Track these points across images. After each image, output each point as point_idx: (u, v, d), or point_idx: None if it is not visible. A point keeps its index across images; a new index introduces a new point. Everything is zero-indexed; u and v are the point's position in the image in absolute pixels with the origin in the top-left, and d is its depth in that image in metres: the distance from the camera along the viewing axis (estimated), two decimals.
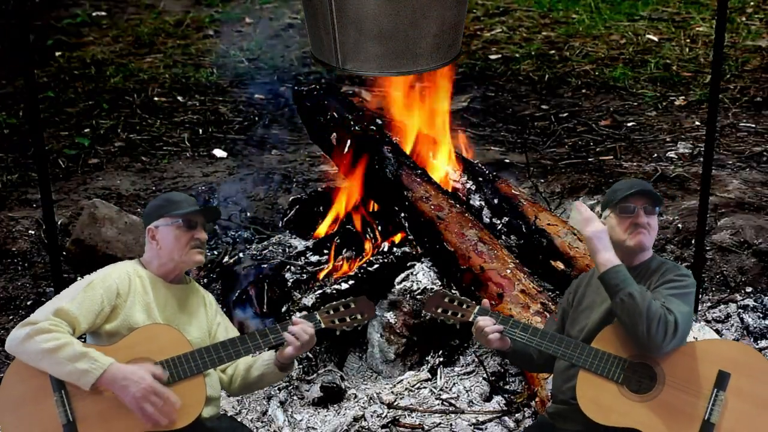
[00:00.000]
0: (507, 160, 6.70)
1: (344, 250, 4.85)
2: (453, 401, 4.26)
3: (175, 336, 3.13)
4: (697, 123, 7.14)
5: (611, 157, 6.66)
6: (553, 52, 8.86)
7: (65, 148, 7.04)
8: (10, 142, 7.13)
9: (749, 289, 4.94)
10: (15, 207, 6.12)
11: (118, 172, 6.72)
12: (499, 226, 4.87)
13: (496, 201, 4.98)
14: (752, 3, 9.78)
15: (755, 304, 4.76)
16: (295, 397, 4.29)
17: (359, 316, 3.28)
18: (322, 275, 4.71)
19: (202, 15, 10.12)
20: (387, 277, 4.58)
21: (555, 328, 3.35)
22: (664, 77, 8.06)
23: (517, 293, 4.23)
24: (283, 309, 4.59)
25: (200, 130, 7.41)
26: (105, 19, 10.08)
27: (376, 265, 4.58)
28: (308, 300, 4.44)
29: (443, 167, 5.15)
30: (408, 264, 4.65)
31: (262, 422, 4.16)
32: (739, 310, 4.72)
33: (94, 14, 10.18)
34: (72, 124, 7.51)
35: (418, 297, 4.49)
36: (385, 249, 4.69)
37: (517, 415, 4.13)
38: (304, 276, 4.70)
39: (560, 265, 4.64)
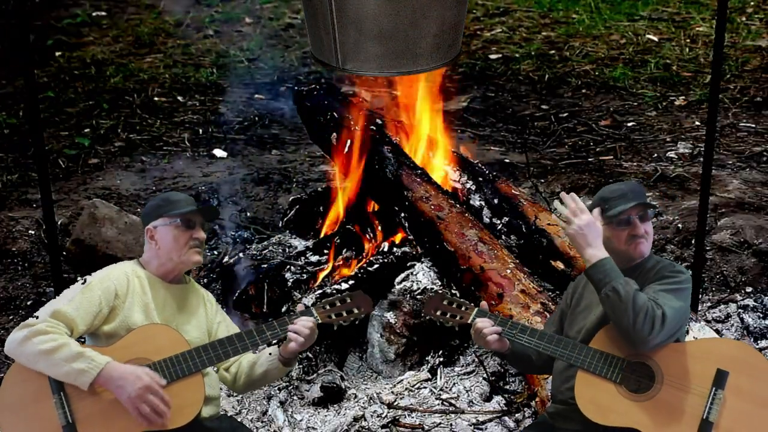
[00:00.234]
0: (507, 160, 6.70)
1: (344, 250, 4.85)
2: (453, 401, 4.26)
3: (174, 336, 3.13)
4: (697, 123, 7.14)
5: (611, 157, 6.66)
6: (553, 52, 8.86)
7: (65, 148, 7.04)
8: (10, 142, 7.13)
9: (749, 289, 4.94)
10: (15, 207, 6.12)
11: (118, 172, 6.73)
12: (499, 226, 4.87)
13: (496, 201, 4.98)
14: (752, 3, 9.77)
15: (755, 304, 4.76)
16: (295, 397, 4.29)
17: (356, 311, 3.28)
18: (322, 275, 4.71)
19: (202, 15, 10.12)
20: (387, 277, 4.58)
21: (553, 329, 3.35)
22: (664, 77, 8.06)
23: (517, 293, 4.23)
24: (283, 309, 4.59)
25: (200, 130, 7.41)
26: (105, 19, 10.08)
27: (376, 265, 4.58)
28: (308, 300, 4.44)
29: (443, 167, 5.15)
30: (408, 264, 4.65)
31: (262, 422, 4.16)
32: (739, 310, 4.72)
33: (94, 14, 10.18)
34: (72, 124, 7.51)
35: (418, 297, 4.49)
36: (385, 249, 4.69)
37: (517, 415, 4.13)
38: (304, 276, 4.71)
39: (560, 265, 4.64)
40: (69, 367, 2.95)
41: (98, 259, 4.94)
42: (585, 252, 3.07)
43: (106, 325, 3.13)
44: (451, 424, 4.12)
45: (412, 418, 4.18)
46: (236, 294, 4.72)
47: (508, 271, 4.34)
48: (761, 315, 4.67)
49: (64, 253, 5.19)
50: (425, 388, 4.34)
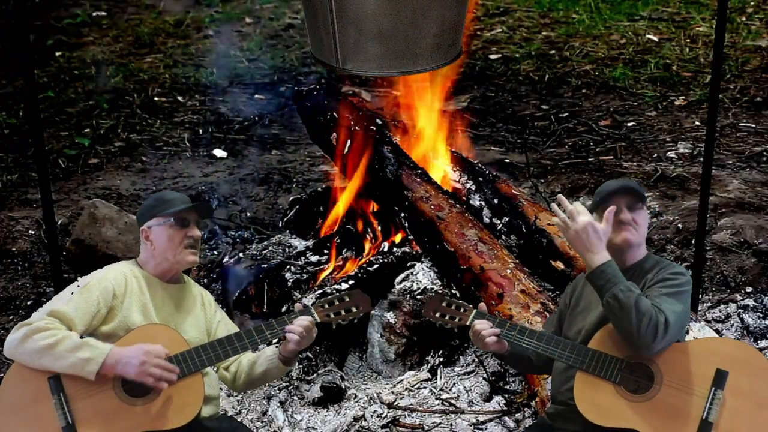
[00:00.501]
0: (507, 160, 6.70)
1: (344, 250, 4.85)
2: (453, 401, 4.26)
3: (173, 336, 3.13)
4: (697, 123, 7.14)
5: (611, 157, 6.66)
6: (553, 52, 8.86)
7: (65, 148, 7.04)
8: (10, 142, 7.13)
9: (749, 289, 4.94)
10: (15, 207, 6.12)
11: (118, 172, 6.73)
12: (499, 226, 4.87)
13: (496, 201, 4.98)
14: (752, 3, 9.77)
15: (755, 304, 4.76)
16: (295, 397, 4.29)
17: (354, 310, 3.27)
18: (322, 275, 4.71)
19: (202, 15, 10.12)
20: (387, 277, 4.58)
21: (552, 330, 3.35)
22: (664, 77, 8.06)
23: (517, 293, 4.23)
24: (283, 309, 4.59)
25: (200, 130, 7.41)
26: (105, 19, 10.08)
27: (376, 265, 4.59)
28: (308, 300, 4.44)
29: (443, 167, 5.15)
30: (408, 264, 4.65)
31: (262, 422, 4.16)
32: (739, 310, 4.72)
33: (94, 14, 10.18)
34: (72, 124, 7.51)
35: (418, 297, 4.49)
36: (385, 249, 4.69)
37: (517, 415, 4.13)
38: (304, 276, 4.71)
39: (560, 265, 4.64)
40: (74, 357, 2.95)
41: (98, 259, 4.94)
42: (585, 256, 3.04)
43: (104, 325, 3.12)
44: (451, 424, 4.12)
45: (412, 418, 4.18)
46: (236, 294, 4.72)
47: (508, 271, 4.34)
48: (761, 315, 4.67)
49: (64, 253, 5.19)
50: (425, 388, 4.34)
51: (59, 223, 5.67)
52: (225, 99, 8.03)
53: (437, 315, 3.30)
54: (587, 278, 3.06)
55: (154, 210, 3.29)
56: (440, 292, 4.47)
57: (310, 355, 4.41)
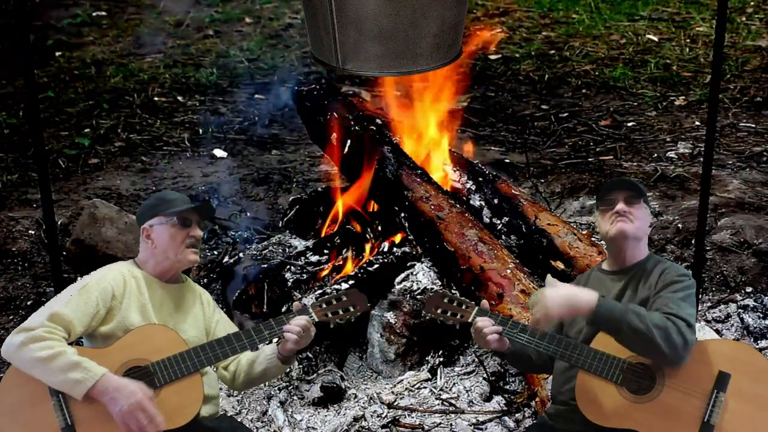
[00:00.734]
0: (507, 160, 6.70)
1: (344, 250, 4.85)
2: (453, 401, 4.26)
3: (172, 336, 3.13)
4: (697, 123, 7.14)
5: (611, 157, 6.66)
6: (553, 52, 8.86)
7: (65, 148, 7.04)
8: (10, 142, 7.13)
9: (749, 289, 4.94)
10: (15, 207, 6.12)
11: (118, 172, 6.72)
12: (499, 226, 4.87)
13: (496, 201, 4.98)
14: (752, 3, 9.77)
15: (755, 304, 4.76)
16: (295, 397, 4.29)
17: (352, 309, 3.28)
18: (322, 275, 4.71)
19: (202, 15, 10.12)
20: (387, 277, 4.58)
21: (553, 329, 3.34)
22: (664, 77, 8.06)
23: (517, 293, 4.23)
24: (283, 309, 4.59)
25: (200, 130, 7.41)
26: (105, 19, 10.08)
27: (376, 265, 4.59)
28: (308, 300, 4.43)
29: (443, 167, 5.15)
30: (408, 264, 4.65)
31: (262, 422, 4.16)
32: (739, 310, 4.72)
33: (94, 14, 10.18)
34: (72, 124, 7.51)
35: (418, 297, 4.49)
36: (385, 249, 4.69)
37: (517, 415, 4.12)
38: (304, 276, 4.71)
39: (560, 265, 4.64)
40: (64, 376, 2.94)
41: (98, 259, 4.93)
42: (578, 311, 2.99)
43: (103, 326, 3.12)
44: (451, 424, 4.12)
45: (412, 418, 4.17)
46: (236, 294, 4.72)
47: (508, 271, 4.34)
48: (761, 315, 4.67)
49: (64, 253, 5.19)
50: (425, 388, 4.34)
51: (59, 223, 5.67)
52: (225, 99, 8.03)
53: (438, 311, 3.30)
54: (591, 322, 3.02)
55: (156, 209, 3.29)
56: (441, 289, 4.47)
57: (310, 355, 4.41)
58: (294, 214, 5.27)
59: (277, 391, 4.29)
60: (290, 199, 5.46)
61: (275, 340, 3.32)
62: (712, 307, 4.78)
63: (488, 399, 4.26)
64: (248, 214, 6.06)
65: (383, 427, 4.12)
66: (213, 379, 3.34)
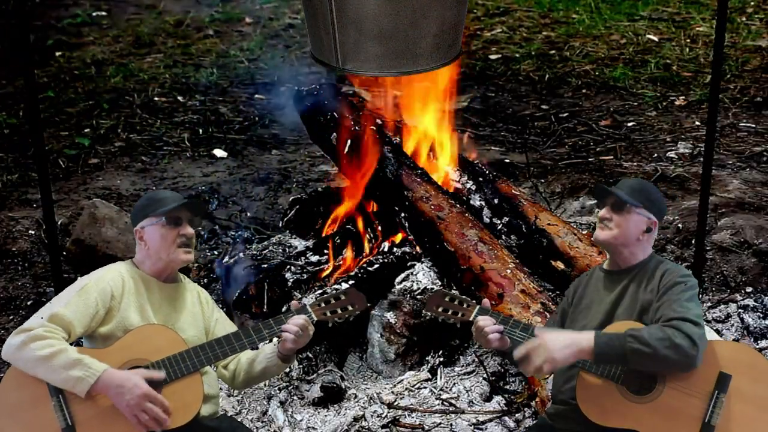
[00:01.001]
0: (507, 160, 6.70)
1: (344, 250, 4.85)
2: (453, 401, 4.25)
3: (171, 336, 3.13)
4: (697, 123, 7.14)
5: (611, 157, 6.66)
6: (553, 52, 8.86)
7: (65, 148, 7.04)
8: (10, 142, 7.13)
9: (749, 289, 4.94)
10: (15, 207, 6.12)
11: (118, 172, 6.72)
12: (499, 226, 4.87)
13: (496, 201, 4.98)
14: (752, 3, 9.77)
15: (755, 304, 4.76)
16: (295, 397, 4.29)
17: (350, 308, 3.28)
18: (322, 275, 4.71)
19: (202, 15, 10.12)
20: (387, 277, 4.57)
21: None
22: (664, 77, 8.06)
23: (517, 293, 4.23)
24: (283, 309, 4.58)
25: (200, 130, 7.41)
26: (105, 19, 10.08)
27: (376, 265, 4.58)
28: (308, 300, 4.43)
29: (443, 167, 5.15)
30: (408, 264, 4.65)
31: (262, 422, 4.16)
32: (739, 310, 4.72)
33: (94, 14, 10.18)
34: (72, 124, 7.51)
35: (418, 297, 4.49)
36: (385, 249, 4.69)
37: (517, 415, 4.12)
38: (304, 276, 4.70)
39: (560, 265, 4.64)
40: (66, 374, 2.94)
41: (98, 259, 4.93)
42: (582, 352, 2.95)
43: (102, 326, 3.12)
44: (451, 424, 4.12)
45: (412, 418, 4.17)
46: (236, 294, 4.72)
47: (508, 271, 4.34)
48: (761, 315, 4.67)
49: (64, 253, 5.19)
50: (425, 388, 4.34)
51: (59, 223, 5.66)
52: (225, 99, 8.03)
53: (440, 310, 3.30)
54: (597, 360, 2.99)
55: (146, 210, 3.29)
56: (442, 288, 4.47)
57: (310, 355, 4.41)
58: (294, 214, 5.27)
59: (277, 391, 4.29)
60: (290, 199, 5.45)
61: (275, 339, 3.33)
62: (712, 307, 4.78)
63: (488, 399, 4.26)
64: (248, 214, 6.05)
65: (383, 427, 4.12)
66: (213, 378, 3.34)
